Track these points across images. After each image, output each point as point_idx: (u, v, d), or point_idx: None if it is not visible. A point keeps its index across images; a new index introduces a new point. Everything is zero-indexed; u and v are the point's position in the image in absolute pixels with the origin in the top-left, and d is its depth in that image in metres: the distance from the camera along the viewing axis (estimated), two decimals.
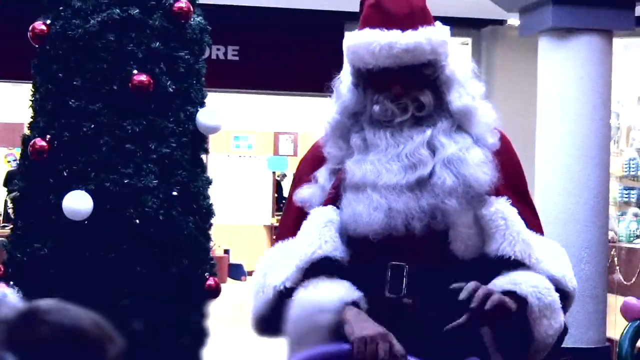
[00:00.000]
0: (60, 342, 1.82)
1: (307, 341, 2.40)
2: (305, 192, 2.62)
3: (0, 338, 1.61)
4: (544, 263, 2.46)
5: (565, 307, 2.51)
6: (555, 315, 2.42)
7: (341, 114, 2.60)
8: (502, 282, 2.40)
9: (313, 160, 2.68)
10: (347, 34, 9.03)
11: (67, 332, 1.83)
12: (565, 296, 2.50)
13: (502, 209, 2.47)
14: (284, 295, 2.50)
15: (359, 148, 2.54)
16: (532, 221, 2.59)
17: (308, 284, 2.46)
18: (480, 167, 2.46)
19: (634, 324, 3.01)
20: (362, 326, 2.34)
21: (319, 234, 2.53)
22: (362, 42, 2.53)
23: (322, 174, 2.61)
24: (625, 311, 3.00)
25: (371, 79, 2.54)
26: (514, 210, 2.48)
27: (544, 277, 2.43)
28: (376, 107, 2.52)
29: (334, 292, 2.42)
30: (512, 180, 2.58)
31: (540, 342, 2.40)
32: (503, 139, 2.61)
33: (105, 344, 1.87)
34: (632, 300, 3.03)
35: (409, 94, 2.52)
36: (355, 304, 2.41)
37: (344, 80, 2.62)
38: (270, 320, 2.56)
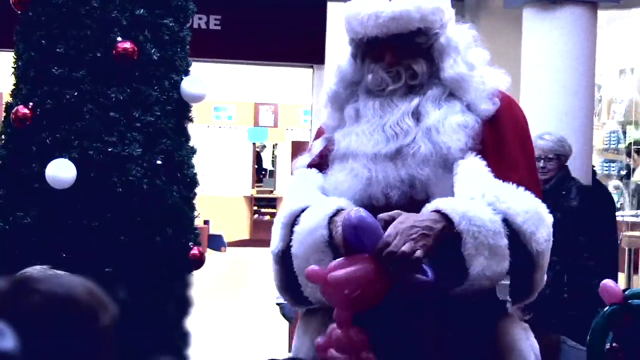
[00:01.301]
0: (53, 311, 1.81)
1: (311, 263, 2.43)
2: (300, 161, 2.69)
3: None
4: (507, 205, 2.40)
5: (533, 266, 2.47)
6: (498, 259, 2.37)
7: (338, 85, 2.65)
8: (457, 207, 2.37)
9: (319, 134, 2.77)
10: (332, 5, 9.00)
11: (59, 301, 1.82)
12: (531, 255, 2.45)
13: (465, 162, 2.47)
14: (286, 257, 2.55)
15: (351, 118, 2.60)
16: (530, 181, 2.56)
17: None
18: (455, 135, 2.48)
19: (608, 310, 3.01)
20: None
21: (299, 192, 2.60)
22: (352, 12, 2.57)
23: (317, 144, 2.67)
24: (602, 294, 3.00)
25: (367, 49, 2.57)
26: (481, 164, 2.47)
27: (497, 220, 2.38)
28: (369, 76, 2.57)
29: (319, 212, 2.47)
30: (512, 140, 2.59)
31: (475, 280, 2.36)
32: (506, 103, 2.61)
33: (99, 311, 1.87)
34: (609, 283, 3.01)
35: (402, 62, 2.54)
36: (341, 210, 2.45)
37: (343, 51, 2.66)
38: (293, 285, 2.58)
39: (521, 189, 2.48)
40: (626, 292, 2.97)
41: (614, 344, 3.06)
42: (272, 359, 2.44)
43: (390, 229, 2.31)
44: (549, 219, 2.52)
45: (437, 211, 2.38)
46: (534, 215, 2.45)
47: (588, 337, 3.02)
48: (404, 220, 2.34)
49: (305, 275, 2.35)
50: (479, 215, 2.37)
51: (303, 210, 2.53)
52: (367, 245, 2.30)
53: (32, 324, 1.75)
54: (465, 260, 2.36)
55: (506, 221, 2.40)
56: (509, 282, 2.47)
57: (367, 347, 2.28)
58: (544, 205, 2.52)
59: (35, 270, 1.87)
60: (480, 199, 2.41)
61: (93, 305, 1.86)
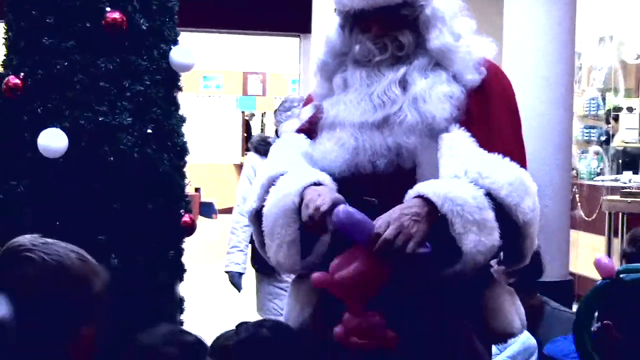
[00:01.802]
0: (45, 279, 1.79)
1: (278, 227, 2.47)
2: (288, 126, 2.69)
3: None
4: (490, 181, 2.39)
5: (517, 244, 2.48)
6: (487, 233, 2.35)
7: (327, 55, 2.63)
8: (438, 189, 2.36)
9: (308, 102, 2.75)
10: None
11: (51, 269, 1.80)
12: (516, 232, 2.45)
13: (451, 136, 2.44)
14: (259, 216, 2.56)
15: (339, 88, 2.58)
16: (514, 150, 2.54)
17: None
18: (440, 104, 2.46)
19: (600, 284, 2.99)
20: (311, 194, 2.41)
21: (283, 156, 2.60)
22: None
23: (306, 111, 2.65)
24: (596, 269, 2.99)
25: (354, 20, 2.54)
26: (466, 138, 2.45)
27: (480, 195, 2.36)
28: (357, 47, 2.55)
29: (296, 180, 2.48)
30: (499, 109, 2.56)
31: (469, 257, 2.34)
32: (492, 72, 2.58)
33: (91, 278, 1.85)
34: (603, 259, 2.98)
35: (388, 34, 2.52)
36: (317, 184, 2.45)
37: (332, 22, 2.63)
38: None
39: (506, 159, 2.45)
40: (619, 268, 2.96)
41: (605, 321, 3.03)
42: (244, 322, 2.44)
43: (380, 220, 2.30)
44: (534, 187, 2.50)
45: (419, 196, 2.36)
46: (519, 186, 2.43)
47: (576, 310, 3.00)
48: (391, 212, 2.34)
49: (311, 284, 2.33)
50: (461, 195, 2.35)
51: (281, 175, 2.53)
52: (361, 239, 2.30)
53: (26, 292, 1.73)
54: (456, 239, 2.35)
55: (490, 195, 2.38)
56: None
57: (386, 327, 2.29)
58: (528, 174, 2.50)
59: (26, 239, 1.84)
60: (463, 176, 2.38)
61: (85, 272, 1.84)
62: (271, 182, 2.54)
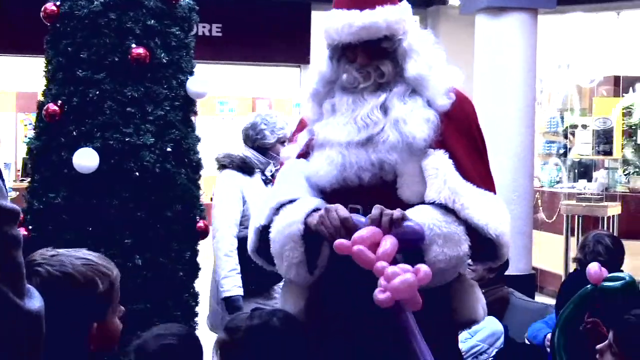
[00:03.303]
0: (52, 290, 1.78)
1: (286, 250, 2.45)
2: (287, 151, 2.68)
3: None
4: (469, 210, 2.39)
5: (495, 250, 2.47)
6: (451, 245, 2.35)
7: (318, 84, 2.61)
8: (415, 209, 2.39)
9: (301, 125, 2.74)
10: (315, 14, 8.94)
11: (56, 280, 1.81)
12: (492, 242, 2.44)
13: (435, 160, 2.43)
14: (265, 232, 2.54)
15: (328, 112, 2.58)
16: (481, 172, 2.54)
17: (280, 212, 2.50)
18: (419, 126, 2.45)
19: (588, 289, 2.95)
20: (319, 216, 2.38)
21: (289, 182, 2.57)
22: (330, 22, 2.55)
23: (302, 136, 2.64)
24: (588, 276, 2.96)
25: (342, 52, 2.54)
26: (448, 162, 2.44)
27: (449, 215, 2.37)
28: (344, 76, 2.54)
29: (298, 209, 2.46)
30: (465, 133, 2.55)
31: (431, 265, 2.30)
32: (459, 99, 2.56)
33: (95, 280, 1.84)
34: (594, 267, 2.93)
35: (371, 64, 2.51)
36: (317, 210, 2.43)
37: (322, 54, 2.63)
38: (261, 252, 2.58)
39: (472, 186, 2.44)
40: (606, 276, 2.94)
41: (592, 319, 3.02)
42: (257, 307, 2.42)
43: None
44: (495, 205, 2.49)
45: None
46: (485, 209, 2.43)
47: (562, 312, 2.97)
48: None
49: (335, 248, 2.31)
50: (433, 209, 2.38)
51: (290, 201, 2.50)
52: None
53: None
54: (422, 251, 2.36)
55: (466, 221, 2.40)
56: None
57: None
58: (490, 195, 2.50)
59: (38, 253, 1.85)
60: (451, 204, 2.38)
61: (90, 276, 1.83)
62: (279, 206, 2.50)
